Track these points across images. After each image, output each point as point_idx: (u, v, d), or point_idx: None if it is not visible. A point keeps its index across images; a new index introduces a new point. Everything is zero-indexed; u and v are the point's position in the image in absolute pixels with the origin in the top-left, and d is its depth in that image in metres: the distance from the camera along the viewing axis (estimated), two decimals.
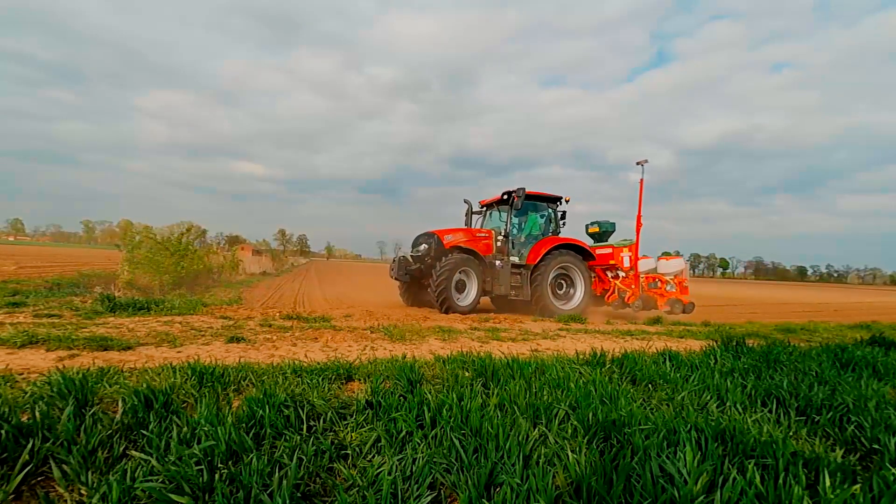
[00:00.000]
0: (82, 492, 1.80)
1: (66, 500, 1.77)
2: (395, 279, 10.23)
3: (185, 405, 2.72)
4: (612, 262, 11.20)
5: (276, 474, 1.85)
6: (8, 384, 2.99)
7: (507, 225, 10.25)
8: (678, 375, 3.76)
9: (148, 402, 2.55)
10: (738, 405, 3.09)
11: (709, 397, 3.20)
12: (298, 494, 1.84)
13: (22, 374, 3.39)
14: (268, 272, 27.18)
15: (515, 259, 10.16)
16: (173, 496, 1.73)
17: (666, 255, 11.20)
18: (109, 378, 3.11)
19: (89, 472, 1.88)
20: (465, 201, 11.34)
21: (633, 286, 10.93)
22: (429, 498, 1.84)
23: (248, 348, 4.84)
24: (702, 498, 1.79)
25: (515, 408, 2.79)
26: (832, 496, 1.83)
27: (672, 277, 10.95)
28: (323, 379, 3.36)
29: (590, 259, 10.98)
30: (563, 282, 10.48)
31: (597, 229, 11.57)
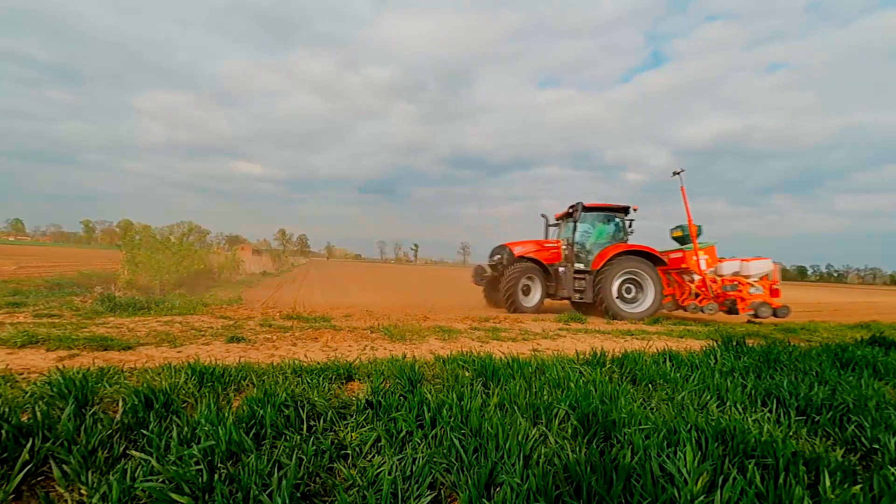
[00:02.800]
0: (82, 491, 1.80)
1: (66, 500, 1.77)
2: (475, 284, 12.18)
3: (185, 405, 2.72)
4: (683, 265, 11.02)
5: (276, 474, 1.85)
6: (8, 384, 2.99)
7: (571, 235, 11.44)
8: (678, 375, 3.76)
9: (148, 401, 2.55)
10: (738, 405, 3.09)
11: (709, 397, 3.20)
12: (298, 494, 1.84)
13: (22, 373, 3.39)
14: (268, 272, 27.17)
15: (581, 266, 11.20)
16: (173, 496, 1.73)
17: (756, 258, 10.95)
18: (109, 378, 3.11)
19: (89, 472, 1.88)
20: (542, 216, 12.65)
21: (704, 289, 10.60)
22: (429, 498, 1.84)
23: (249, 348, 4.84)
24: (702, 498, 1.79)
25: (515, 407, 2.79)
26: (832, 496, 1.83)
27: (758, 280, 10.56)
28: (323, 379, 3.36)
29: (660, 264, 11.06)
30: (631, 286, 10.87)
31: (680, 233, 11.29)
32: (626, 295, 10.76)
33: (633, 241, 11.43)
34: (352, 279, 27.09)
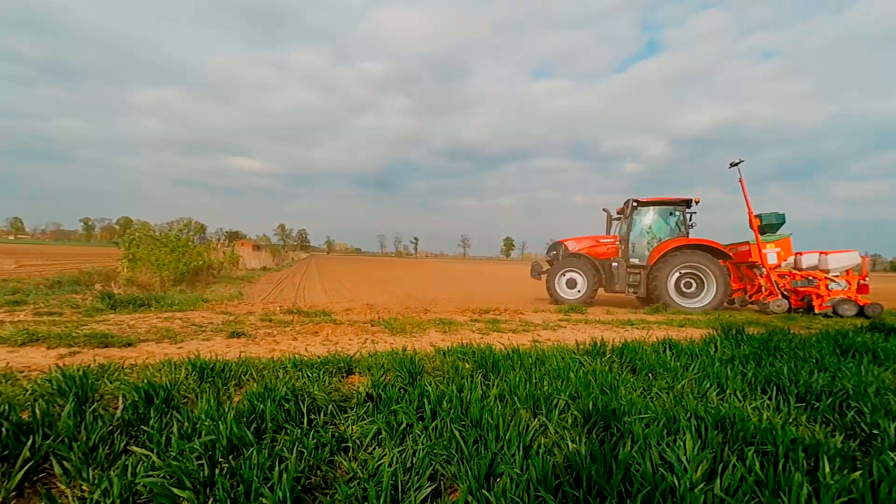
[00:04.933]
0: (83, 488, 1.80)
1: (67, 497, 1.78)
2: (532, 278, 12.66)
3: (185, 401, 2.72)
4: (750, 259, 10.60)
5: (277, 468, 1.86)
6: (9, 382, 3.00)
7: (625, 230, 11.70)
8: (678, 364, 3.77)
9: (148, 397, 2.55)
10: (738, 393, 3.10)
11: (709, 385, 3.20)
12: (299, 488, 1.85)
13: (23, 371, 3.40)
14: (268, 267, 27.19)
15: (636, 260, 11.35)
16: (175, 490, 1.73)
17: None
18: (110, 375, 3.12)
19: (90, 469, 1.88)
20: (604, 210, 12.74)
21: (770, 284, 10.21)
22: (429, 489, 1.85)
23: (249, 343, 4.85)
24: (702, 485, 1.80)
25: (515, 398, 2.79)
26: (832, 482, 1.83)
27: (840, 274, 9.90)
28: (323, 372, 3.37)
29: (724, 257, 10.77)
30: (692, 280, 10.69)
31: (759, 222, 10.69)
32: (685, 290, 10.62)
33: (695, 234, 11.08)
34: (352, 273, 27.10)
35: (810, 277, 10.01)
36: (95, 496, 1.70)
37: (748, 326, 6.38)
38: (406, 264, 57.53)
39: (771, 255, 10.36)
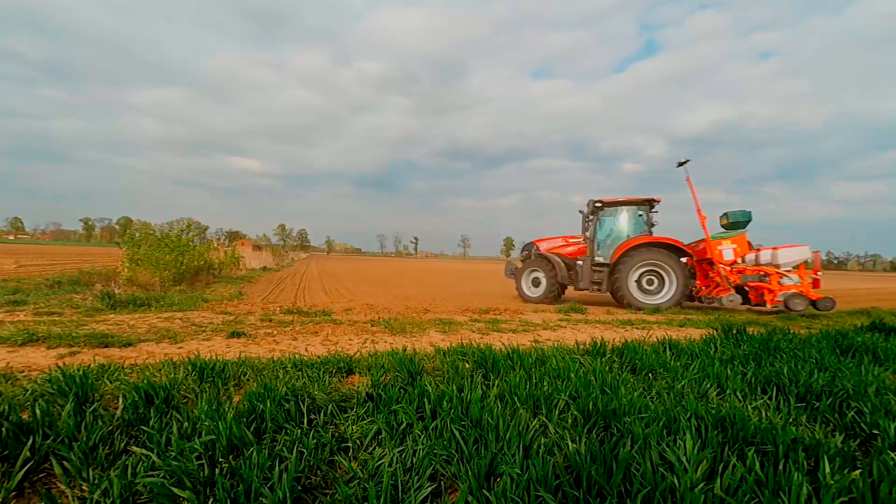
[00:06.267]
0: (84, 488, 1.80)
1: (67, 497, 1.78)
2: (507, 277, 13.19)
3: (185, 401, 2.72)
4: (707, 256, 10.68)
5: (277, 468, 1.86)
6: (9, 382, 3.00)
7: (592, 230, 12.02)
8: (678, 364, 3.76)
9: (148, 397, 2.55)
10: (738, 393, 3.10)
11: (709, 385, 3.20)
12: (299, 487, 1.85)
13: (23, 371, 3.40)
14: (268, 267, 27.19)
15: (600, 259, 11.63)
16: (175, 490, 1.73)
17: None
18: (110, 375, 3.12)
19: (90, 469, 1.89)
20: (580, 211, 12.95)
21: (721, 279, 10.28)
22: (429, 489, 1.85)
23: (249, 343, 4.85)
24: (702, 485, 1.80)
25: (516, 398, 2.79)
26: (832, 482, 1.83)
27: (792, 269, 9.99)
28: (324, 372, 3.37)
29: (684, 255, 10.96)
30: (653, 278, 10.93)
31: (726, 220, 11.01)
32: (647, 287, 10.86)
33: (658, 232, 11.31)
34: (352, 273, 27.10)
35: (762, 273, 10.21)
36: (95, 496, 1.70)
37: (748, 326, 6.38)
38: (406, 264, 57.54)
39: (727, 251, 10.52)
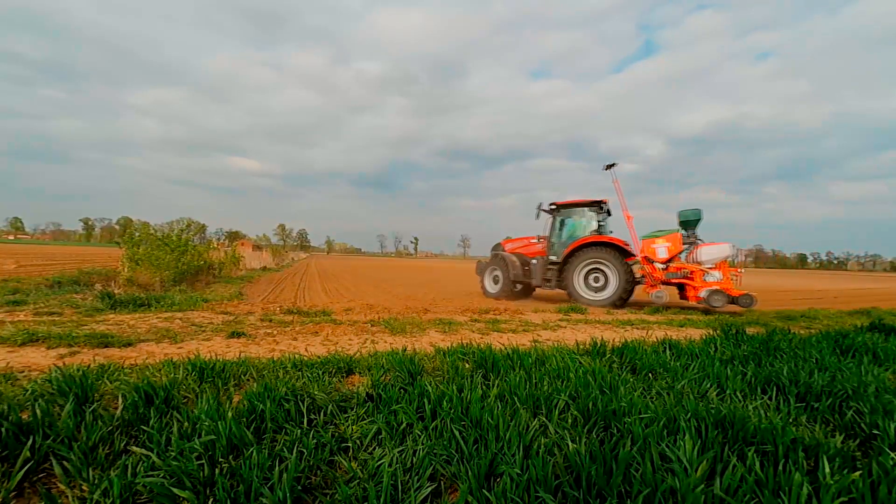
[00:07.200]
0: (83, 488, 1.80)
1: (67, 497, 1.78)
2: (478, 275, 14.04)
3: (185, 400, 2.72)
4: (643, 254, 11.07)
5: (277, 468, 1.86)
6: (9, 382, 3.00)
7: (548, 231, 12.72)
8: (678, 364, 3.76)
9: (148, 397, 2.55)
10: (738, 393, 3.10)
11: (709, 385, 3.20)
12: (299, 488, 1.85)
13: (23, 371, 3.40)
14: (268, 267, 27.19)
15: (554, 258, 12.20)
16: (175, 490, 1.73)
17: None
18: (110, 374, 3.12)
19: (90, 469, 1.89)
20: (545, 210, 13.52)
21: (647, 277, 10.77)
22: (429, 489, 1.85)
23: (249, 343, 4.85)
24: (702, 486, 1.80)
25: (516, 398, 2.79)
26: (832, 482, 1.83)
27: (713, 266, 10.25)
28: (323, 372, 3.37)
29: (626, 254, 11.35)
30: (599, 275, 11.39)
31: (679, 219, 11.40)
32: (594, 283, 11.39)
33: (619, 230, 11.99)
34: (352, 273, 27.10)
35: (685, 270, 10.58)
36: (95, 496, 1.70)
37: (748, 326, 6.38)
38: (406, 264, 57.54)
39: (661, 249, 10.83)
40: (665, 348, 4.46)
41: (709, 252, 10.34)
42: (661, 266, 10.76)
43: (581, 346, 4.44)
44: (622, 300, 10.82)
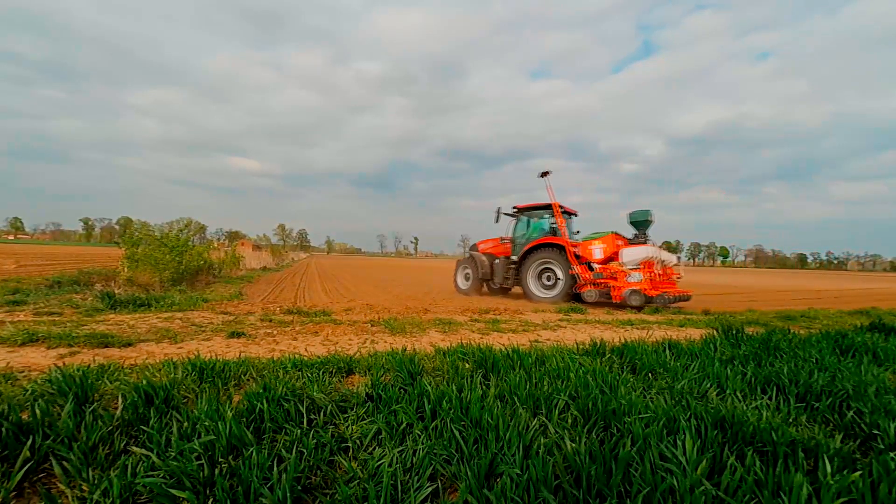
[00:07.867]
0: (83, 488, 1.80)
1: (67, 497, 1.78)
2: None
3: (185, 401, 2.72)
4: (581, 255, 11.61)
5: (277, 468, 1.86)
6: (9, 382, 3.00)
7: (512, 232, 13.53)
8: (678, 364, 3.76)
9: (148, 397, 2.55)
10: (737, 393, 3.10)
11: (709, 385, 3.20)
12: (299, 488, 1.85)
13: (23, 371, 3.40)
14: (268, 267, 27.19)
15: (514, 257, 12.93)
16: (174, 491, 1.73)
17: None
18: (110, 374, 3.11)
19: (90, 469, 1.89)
20: (506, 214, 14.15)
21: (579, 277, 11.22)
22: (429, 489, 1.85)
23: (249, 343, 4.85)
24: (702, 487, 1.80)
25: (515, 398, 2.79)
26: (832, 482, 1.83)
27: (635, 267, 10.62)
28: (323, 372, 3.36)
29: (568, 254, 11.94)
30: (550, 274, 12.07)
31: (630, 220, 11.98)
32: (546, 282, 12.08)
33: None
34: (352, 273, 27.10)
35: (610, 271, 10.94)
36: (95, 496, 1.70)
37: (748, 326, 6.38)
38: (406, 264, 57.55)
39: (597, 250, 11.42)
40: (665, 348, 4.46)
41: (630, 254, 10.85)
42: (596, 266, 11.26)
43: (581, 346, 4.44)
44: (569, 296, 11.31)
